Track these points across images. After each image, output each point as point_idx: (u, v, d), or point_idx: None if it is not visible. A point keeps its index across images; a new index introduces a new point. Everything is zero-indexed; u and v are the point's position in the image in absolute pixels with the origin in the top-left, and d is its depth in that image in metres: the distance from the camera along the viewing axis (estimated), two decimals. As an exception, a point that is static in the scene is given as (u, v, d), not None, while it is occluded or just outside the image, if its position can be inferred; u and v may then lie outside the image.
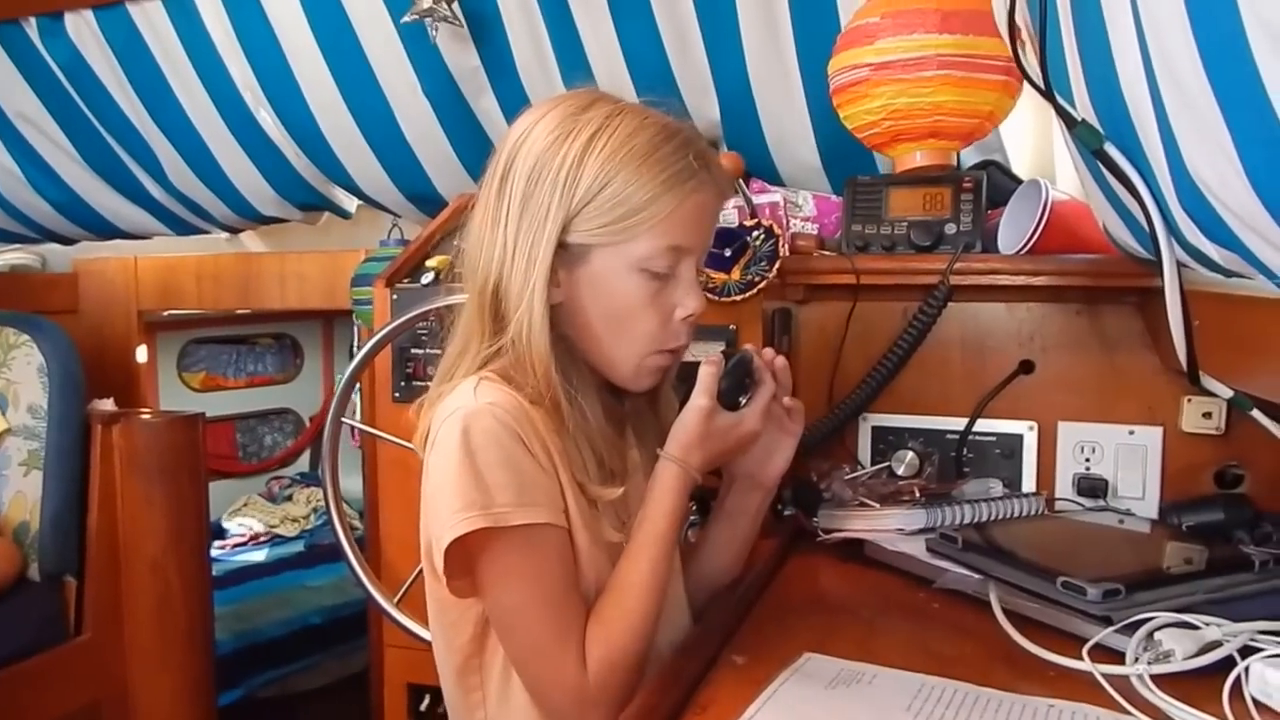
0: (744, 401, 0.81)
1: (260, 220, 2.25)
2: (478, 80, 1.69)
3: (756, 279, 1.17)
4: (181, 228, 2.30)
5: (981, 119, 1.18)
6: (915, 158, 1.22)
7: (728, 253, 1.18)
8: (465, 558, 0.72)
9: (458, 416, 0.71)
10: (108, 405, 1.80)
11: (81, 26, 1.85)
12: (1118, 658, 0.71)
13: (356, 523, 2.65)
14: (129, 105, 1.96)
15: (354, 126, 1.84)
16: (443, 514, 0.70)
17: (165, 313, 2.61)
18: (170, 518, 1.76)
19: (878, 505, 1.08)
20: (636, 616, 0.73)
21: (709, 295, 1.17)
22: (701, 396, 0.78)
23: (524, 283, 0.74)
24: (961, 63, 1.13)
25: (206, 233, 2.33)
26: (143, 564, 1.75)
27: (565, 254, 0.75)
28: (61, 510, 1.68)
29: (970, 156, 1.45)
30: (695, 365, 0.80)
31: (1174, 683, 0.66)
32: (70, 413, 1.73)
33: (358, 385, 1.52)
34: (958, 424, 1.22)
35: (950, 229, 1.17)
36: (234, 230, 2.35)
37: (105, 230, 2.32)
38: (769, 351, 0.84)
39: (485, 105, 1.73)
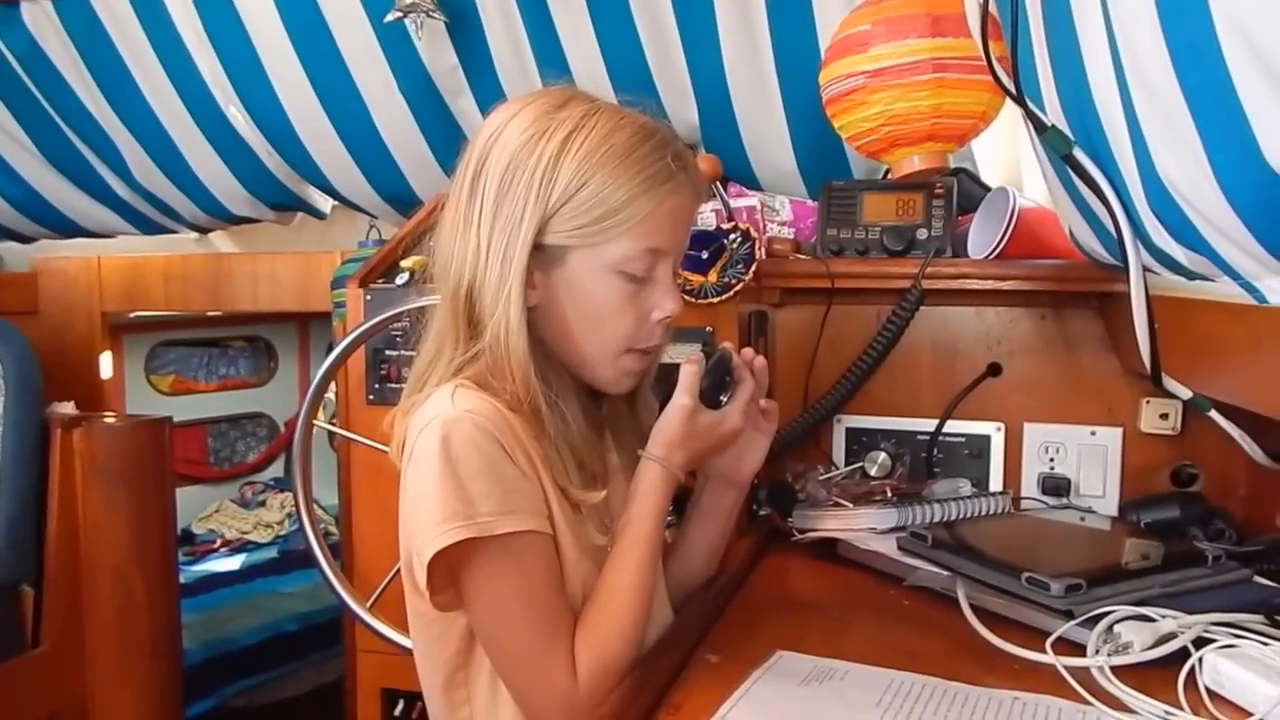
0: (725, 400, 0.81)
1: (231, 220, 2.22)
2: (455, 80, 1.68)
3: (733, 281, 1.18)
4: (148, 227, 2.26)
5: (976, 119, 1.20)
6: (913, 162, 1.23)
7: (705, 255, 1.19)
8: (448, 570, 0.71)
9: (436, 425, 0.69)
10: (67, 409, 1.76)
11: (39, 16, 1.79)
12: (1079, 650, 0.73)
13: (333, 528, 2.63)
14: (91, 99, 1.91)
15: (328, 125, 1.83)
16: (424, 527, 0.68)
17: (131, 314, 2.56)
18: (134, 525, 1.72)
19: (851, 505, 1.10)
20: (625, 620, 0.73)
21: (686, 297, 1.19)
22: (684, 395, 0.78)
23: (499, 285, 0.73)
24: (955, 65, 1.14)
25: (174, 232, 2.30)
26: (105, 572, 1.71)
27: (541, 255, 0.74)
28: (17, 517, 1.63)
29: (950, 162, 1.48)
30: (674, 366, 0.81)
31: (1132, 673, 0.68)
32: (27, 416, 1.68)
33: (333, 388, 1.51)
34: (928, 425, 1.24)
35: (922, 234, 1.19)
36: (203, 230, 2.32)
37: (66, 228, 2.27)
38: (748, 351, 0.84)
39: (463, 105, 1.72)
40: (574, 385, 0.79)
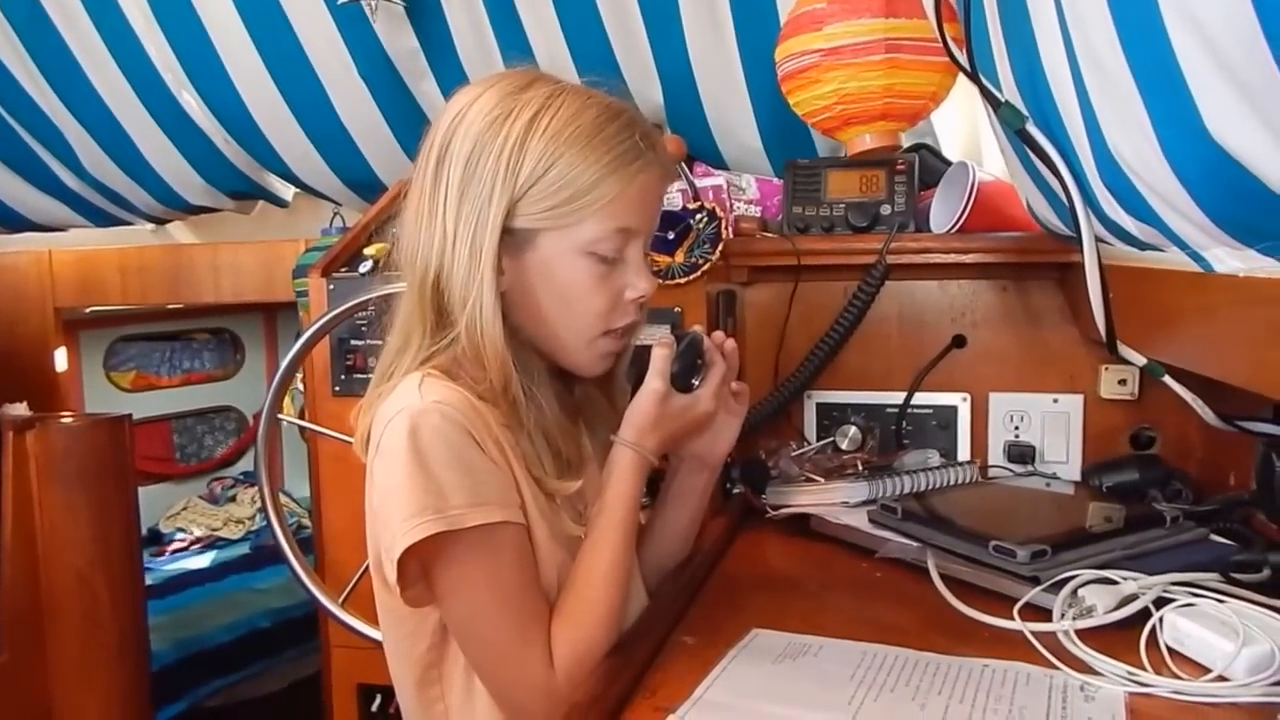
0: (696, 383, 0.81)
1: (189, 210, 2.16)
2: (416, 63, 1.65)
3: (700, 261, 1.18)
4: (101, 219, 2.19)
5: (927, 99, 1.21)
6: (865, 140, 1.24)
7: (671, 236, 1.19)
8: (420, 565, 0.70)
9: (403, 417, 0.68)
10: (19, 410, 1.72)
11: (-27, -2, 1.72)
12: (1046, 615, 0.75)
13: (306, 521, 2.61)
14: (34, 87, 1.85)
15: (286, 110, 1.78)
16: (394, 522, 0.67)
17: (87, 309, 2.50)
18: (96, 526, 1.68)
19: (823, 480, 1.11)
20: (602, 607, 0.72)
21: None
22: (655, 379, 0.77)
23: (469, 272, 0.71)
24: (908, 45, 1.16)
25: (129, 224, 2.24)
26: (66, 576, 1.67)
27: (510, 239, 0.72)
28: (-32, 524, 1.59)
29: (903, 140, 1.49)
30: (645, 349, 0.80)
31: (1097, 636, 0.70)
32: (-26, 419, 1.64)
33: (300, 380, 1.49)
34: (897, 398, 1.26)
35: (885, 210, 1.20)
36: (160, 221, 2.26)
37: (13, 222, 2.19)
38: (719, 334, 0.84)
39: (426, 89, 1.69)
40: (548, 371, 0.79)
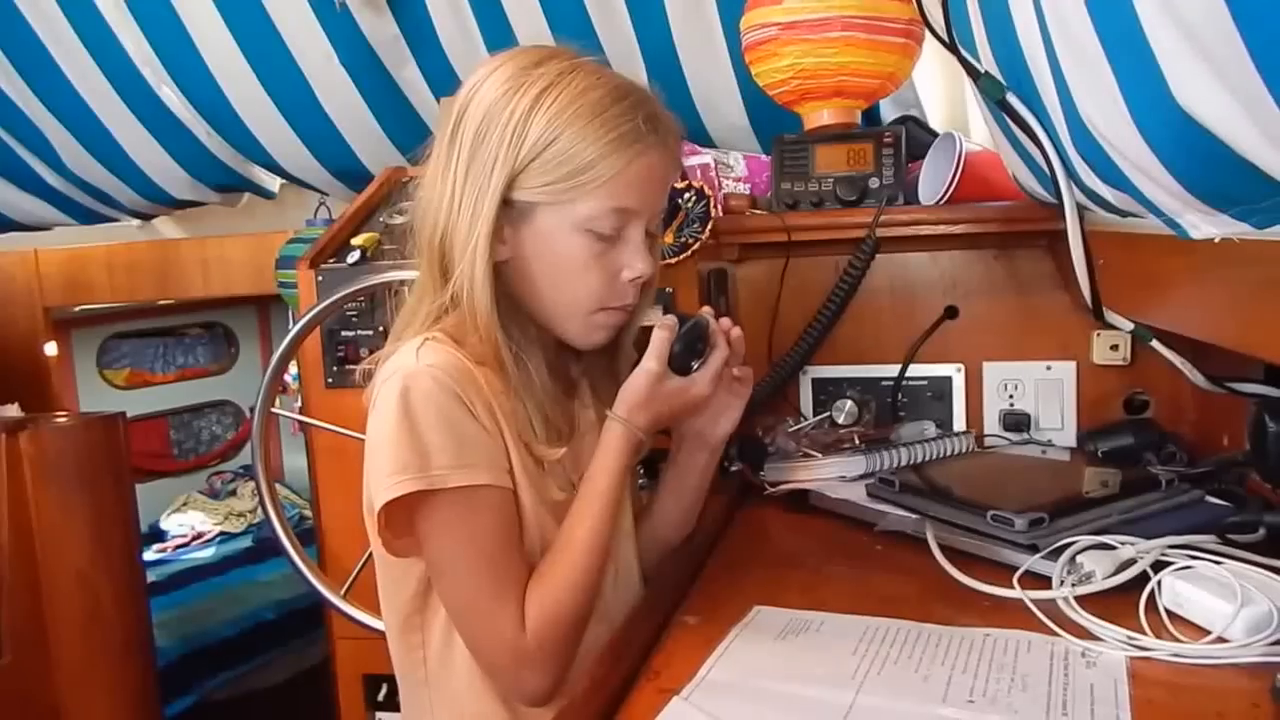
0: (695, 366, 0.82)
1: (174, 205, 2.15)
2: (398, 50, 1.63)
3: (690, 241, 1.18)
4: (86, 216, 2.18)
5: (883, 79, 1.22)
6: (822, 116, 1.25)
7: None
8: (406, 518, 0.73)
9: (397, 378, 0.71)
10: (10, 411, 1.71)
11: (-57, -4, 1.70)
12: (1046, 582, 0.75)
13: (308, 512, 2.61)
14: (10, 85, 1.83)
15: (268, 101, 1.77)
16: (379, 477, 0.71)
17: (77, 308, 2.48)
18: (94, 525, 1.68)
19: (820, 455, 1.11)
20: (577, 572, 0.74)
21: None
22: (651, 360, 0.78)
23: (468, 237, 0.74)
24: (864, 24, 1.16)
25: (115, 220, 2.22)
26: (66, 577, 1.67)
27: (511, 211, 0.75)
28: (-38, 528, 1.58)
29: (889, 111, 1.48)
30: (650, 330, 0.81)
31: (1096, 601, 0.71)
32: (-36, 421, 1.62)
33: (295, 372, 1.48)
34: (891, 371, 1.26)
35: (874, 183, 1.20)
36: (146, 216, 2.24)
37: (-3, 222, 2.19)
38: (726, 320, 0.85)
39: (408, 75, 1.67)
40: (541, 340, 0.80)
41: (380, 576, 0.82)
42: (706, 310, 0.86)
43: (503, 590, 0.73)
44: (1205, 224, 0.62)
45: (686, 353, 0.81)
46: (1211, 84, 0.46)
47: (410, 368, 0.72)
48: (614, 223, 0.75)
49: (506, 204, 0.74)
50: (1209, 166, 0.54)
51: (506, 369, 0.76)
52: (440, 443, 0.70)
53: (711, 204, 1.19)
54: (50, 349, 2.31)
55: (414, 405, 0.70)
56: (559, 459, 0.79)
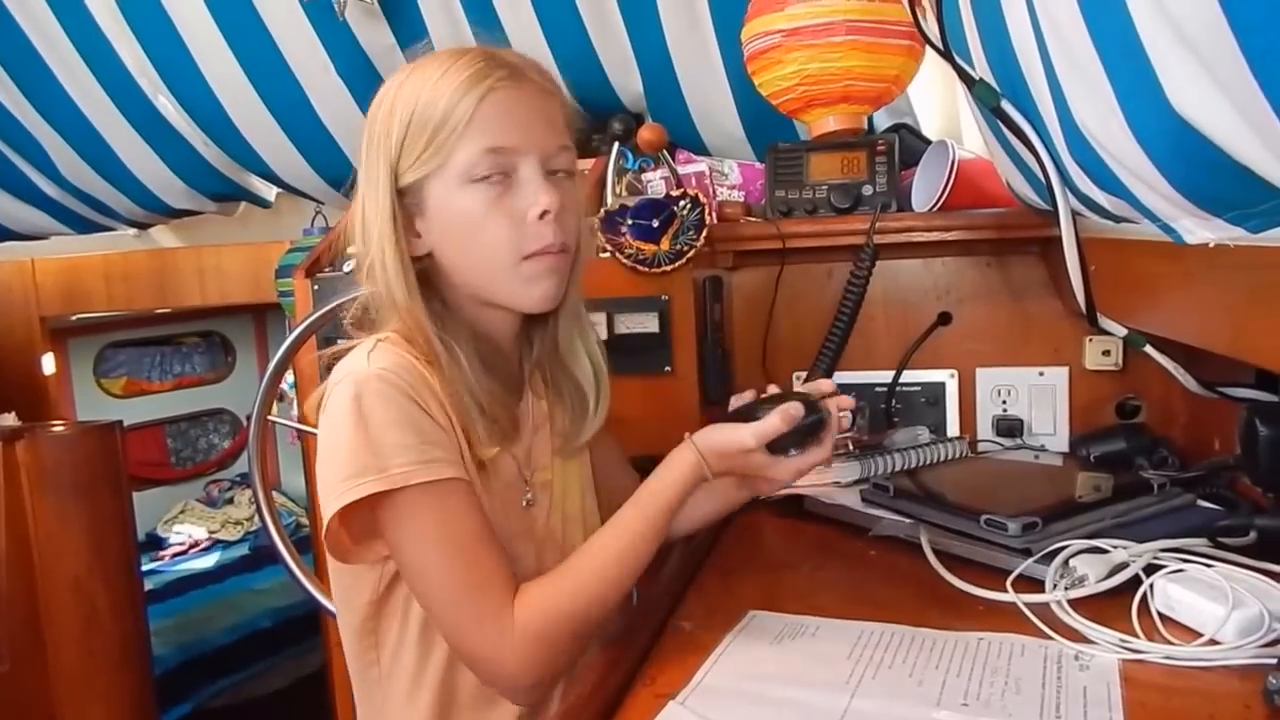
0: (791, 453, 0.78)
1: (171, 214, 2.15)
2: (394, 59, 1.64)
3: (685, 248, 1.19)
4: (82, 226, 2.18)
5: (889, 83, 1.21)
6: (828, 122, 1.24)
7: (655, 224, 1.19)
8: (367, 523, 0.73)
9: (348, 382, 0.71)
10: (8, 420, 1.72)
11: (-60, 9, 1.70)
12: (1038, 587, 0.75)
13: (305, 520, 2.61)
14: (6, 95, 1.83)
15: (264, 110, 1.77)
16: (331, 482, 0.70)
17: (74, 317, 2.49)
18: (91, 534, 1.68)
19: (815, 461, 1.12)
20: (595, 580, 0.73)
21: (639, 267, 1.19)
22: (751, 438, 0.75)
23: (378, 234, 0.76)
24: (868, 28, 1.16)
25: (111, 230, 2.22)
26: (63, 585, 1.67)
27: (410, 200, 0.77)
28: (-41, 537, 1.59)
29: (883, 120, 1.49)
30: (772, 400, 0.78)
31: (1089, 605, 0.71)
32: (-40, 431, 1.63)
33: (291, 380, 1.49)
34: (885, 377, 1.27)
35: (868, 190, 1.21)
36: (142, 226, 2.25)
37: (-7, 232, 2.19)
38: (846, 400, 0.82)
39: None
40: (470, 333, 0.79)
41: (334, 583, 0.82)
42: (829, 407, 0.80)
43: (482, 580, 0.71)
44: (1200, 229, 0.63)
45: (790, 442, 0.77)
46: (1207, 89, 0.46)
47: (361, 372, 0.72)
48: (492, 164, 0.74)
49: (402, 195, 0.76)
50: (1205, 172, 0.54)
51: (437, 360, 0.76)
52: (399, 441, 0.69)
53: (706, 211, 1.20)
54: (47, 359, 2.30)
55: (367, 408, 0.70)
56: (512, 455, 0.80)
